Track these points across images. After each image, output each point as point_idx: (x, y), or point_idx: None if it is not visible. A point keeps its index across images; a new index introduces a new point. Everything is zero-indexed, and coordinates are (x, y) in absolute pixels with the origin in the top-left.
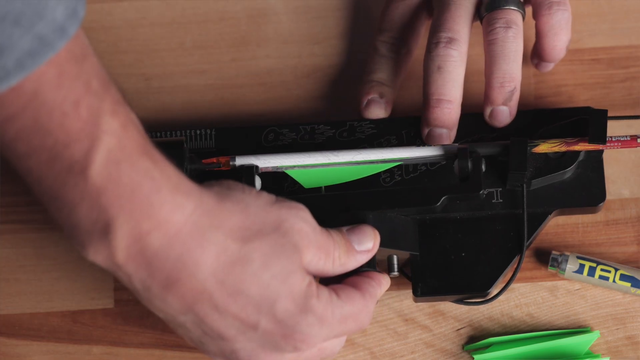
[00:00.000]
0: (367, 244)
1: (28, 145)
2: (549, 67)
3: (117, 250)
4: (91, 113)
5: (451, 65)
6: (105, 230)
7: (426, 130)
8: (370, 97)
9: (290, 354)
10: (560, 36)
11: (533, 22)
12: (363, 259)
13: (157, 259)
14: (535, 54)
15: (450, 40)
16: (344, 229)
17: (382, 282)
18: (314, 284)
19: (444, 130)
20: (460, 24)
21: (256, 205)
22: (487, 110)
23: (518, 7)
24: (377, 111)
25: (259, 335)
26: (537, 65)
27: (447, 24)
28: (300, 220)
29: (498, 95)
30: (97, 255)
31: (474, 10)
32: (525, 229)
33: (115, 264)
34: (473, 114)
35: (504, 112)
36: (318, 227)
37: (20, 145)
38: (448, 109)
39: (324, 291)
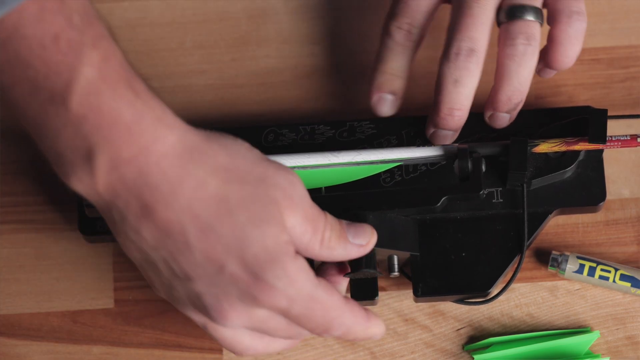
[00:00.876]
0: (362, 239)
1: (11, 77)
2: (552, 74)
3: (97, 177)
4: (71, 46)
5: (469, 79)
6: (87, 157)
7: (432, 130)
8: (381, 94)
9: (255, 311)
10: (575, 47)
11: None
12: (354, 252)
13: (135, 187)
14: (542, 60)
15: (471, 52)
16: (344, 221)
17: (372, 325)
18: (293, 247)
19: (450, 132)
20: (482, 32)
21: (245, 156)
22: (488, 113)
23: (538, 18)
24: (387, 110)
25: (225, 280)
26: (540, 71)
27: (468, 32)
28: (289, 183)
29: (504, 105)
30: (79, 184)
31: (494, 15)
32: (526, 229)
33: (95, 192)
34: (474, 114)
35: (504, 118)
36: (310, 200)
37: (5, 77)
38: (458, 116)
39: (305, 264)
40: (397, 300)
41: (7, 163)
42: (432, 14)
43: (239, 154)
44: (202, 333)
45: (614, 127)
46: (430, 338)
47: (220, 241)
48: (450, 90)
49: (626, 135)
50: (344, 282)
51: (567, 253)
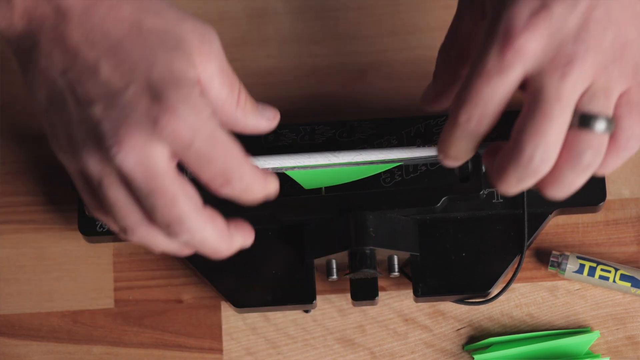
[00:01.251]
0: (270, 113)
1: None
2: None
3: (15, 4)
4: None
5: (533, 181)
6: None
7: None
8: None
9: (154, 146)
10: (618, 164)
11: None
12: (263, 125)
13: (49, 6)
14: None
15: (543, 162)
16: None
17: (270, 182)
18: (199, 90)
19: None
20: (558, 138)
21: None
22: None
23: (609, 129)
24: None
25: (127, 100)
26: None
27: (545, 137)
28: (207, 32)
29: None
30: None
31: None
32: (526, 229)
33: (12, 23)
34: None
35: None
36: (226, 59)
37: None
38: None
39: (210, 106)
40: (397, 300)
41: (7, 163)
42: (506, 103)
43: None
44: (202, 333)
45: None
46: (430, 338)
47: (127, 59)
48: (511, 184)
49: None
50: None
51: (567, 253)
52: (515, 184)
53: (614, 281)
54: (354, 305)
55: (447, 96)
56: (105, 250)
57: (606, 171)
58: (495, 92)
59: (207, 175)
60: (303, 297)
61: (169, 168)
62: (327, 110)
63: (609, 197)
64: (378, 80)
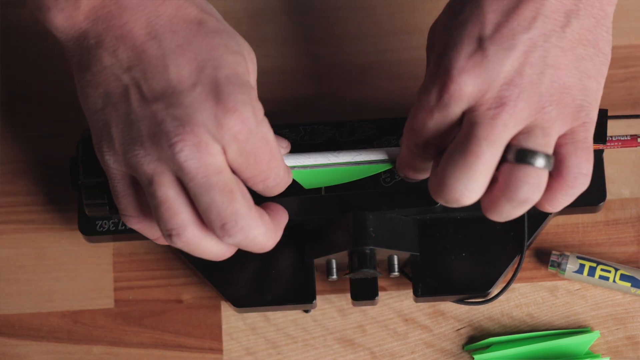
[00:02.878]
0: (281, 143)
1: None
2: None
3: (82, 3)
4: None
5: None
6: None
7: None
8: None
9: (213, 146)
10: (567, 204)
11: None
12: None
13: (117, 6)
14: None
15: (460, 201)
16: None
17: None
18: (255, 91)
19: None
20: (483, 179)
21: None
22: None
23: (548, 166)
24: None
25: (192, 99)
26: None
27: (467, 176)
28: (253, 56)
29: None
30: (59, 14)
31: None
32: (526, 229)
33: (74, 21)
34: None
35: None
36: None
37: None
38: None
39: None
40: (397, 300)
41: (7, 163)
42: (449, 132)
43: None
44: (202, 333)
45: (614, 127)
46: (430, 338)
47: (196, 57)
48: (444, 203)
49: (626, 135)
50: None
51: (567, 253)
52: (443, 206)
53: (614, 281)
54: (354, 305)
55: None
56: (105, 250)
57: (557, 208)
58: (438, 124)
59: (251, 172)
60: (303, 297)
61: (226, 166)
62: (327, 110)
63: (609, 197)
64: (378, 80)
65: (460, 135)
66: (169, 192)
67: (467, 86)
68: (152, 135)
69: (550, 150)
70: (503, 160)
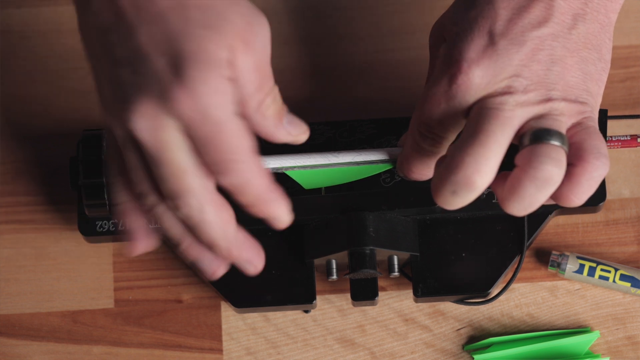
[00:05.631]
0: (295, 129)
1: None
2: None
3: None
4: None
5: (464, 201)
6: None
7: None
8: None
9: (163, 119)
10: (592, 191)
11: None
12: (282, 136)
13: None
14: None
15: (471, 188)
16: (286, 108)
17: (275, 198)
18: (229, 75)
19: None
20: (495, 161)
21: None
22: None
23: (564, 144)
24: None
25: (151, 70)
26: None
27: (476, 160)
28: (258, 24)
29: (505, 212)
30: None
31: (512, 138)
32: (526, 229)
33: None
34: None
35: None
36: (269, 60)
37: None
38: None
39: (230, 96)
40: (397, 300)
41: (7, 163)
42: (458, 129)
43: None
44: (202, 333)
45: (614, 127)
46: (430, 338)
47: (165, 30)
48: (446, 196)
49: (626, 136)
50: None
51: (567, 253)
52: (450, 196)
53: (613, 281)
54: (354, 305)
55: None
56: (105, 250)
57: (582, 198)
58: (447, 114)
59: (208, 159)
60: (303, 297)
61: (180, 143)
62: (327, 110)
63: (609, 197)
64: (378, 80)
65: (470, 121)
66: (132, 159)
67: (476, 78)
68: (117, 100)
69: (563, 130)
70: (520, 148)
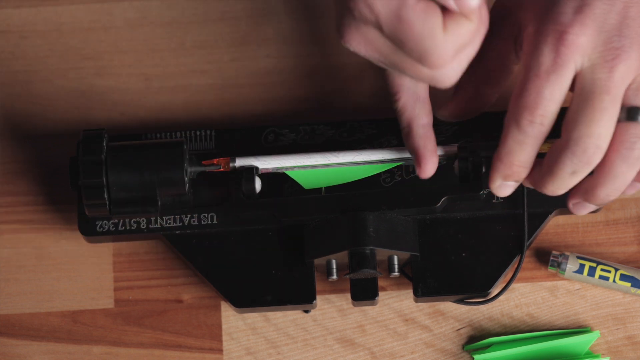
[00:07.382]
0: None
1: None
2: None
3: None
4: None
5: (586, 171)
6: None
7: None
8: (506, 182)
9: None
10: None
11: None
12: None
13: None
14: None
15: (597, 151)
16: None
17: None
18: None
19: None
20: (609, 128)
21: None
22: (575, 201)
23: None
24: (508, 193)
25: None
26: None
27: (597, 128)
28: None
29: (598, 200)
30: None
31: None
32: (526, 229)
33: None
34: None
35: (589, 209)
36: None
37: None
38: (556, 195)
39: None
40: (397, 300)
41: (7, 163)
42: (562, 103)
43: None
44: (202, 333)
45: None
46: (430, 338)
47: None
48: (564, 178)
49: None
50: None
51: (567, 253)
52: (568, 178)
53: (614, 281)
54: (354, 305)
55: (466, 112)
56: (105, 250)
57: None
58: (554, 90)
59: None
60: (303, 297)
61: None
62: (327, 110)
63: None
64: (378, 80)
65: (576, 98)
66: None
67: (581, 37)
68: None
69: None
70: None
